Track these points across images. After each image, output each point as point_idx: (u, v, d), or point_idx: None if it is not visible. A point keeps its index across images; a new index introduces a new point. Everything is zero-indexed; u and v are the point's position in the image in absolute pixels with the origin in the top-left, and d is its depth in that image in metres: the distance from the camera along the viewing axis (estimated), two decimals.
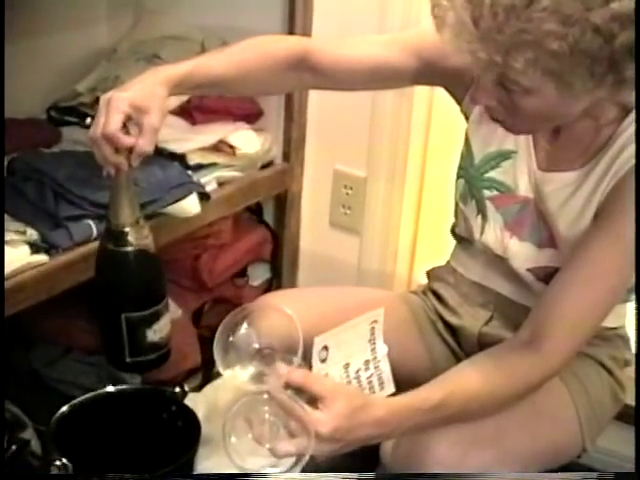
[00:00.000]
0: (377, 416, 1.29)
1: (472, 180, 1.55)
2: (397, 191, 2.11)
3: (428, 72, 1.53)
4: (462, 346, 1.69)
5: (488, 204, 1.54)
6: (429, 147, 2.11)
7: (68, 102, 2.06)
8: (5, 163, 1.75)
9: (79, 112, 2.04)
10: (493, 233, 1.55)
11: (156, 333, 1.52)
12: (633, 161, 1.32)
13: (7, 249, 1.53)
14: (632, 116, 1.35)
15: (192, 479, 1.53)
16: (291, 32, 2.00)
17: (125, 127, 1.37)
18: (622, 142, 1.35)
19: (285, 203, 2.22)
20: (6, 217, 1.59)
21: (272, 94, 1.85)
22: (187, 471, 1.57)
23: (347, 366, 1.41)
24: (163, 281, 1.55)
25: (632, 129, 1.35)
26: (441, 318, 1.71)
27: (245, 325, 1.33)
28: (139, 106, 1.36)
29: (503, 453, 1.41)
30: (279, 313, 1.33)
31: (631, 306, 1.55)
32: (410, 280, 2.24)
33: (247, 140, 2.02)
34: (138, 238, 1.45)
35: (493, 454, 1.40)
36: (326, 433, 1.24)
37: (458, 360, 1.65)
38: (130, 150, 1.37)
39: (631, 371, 1.59)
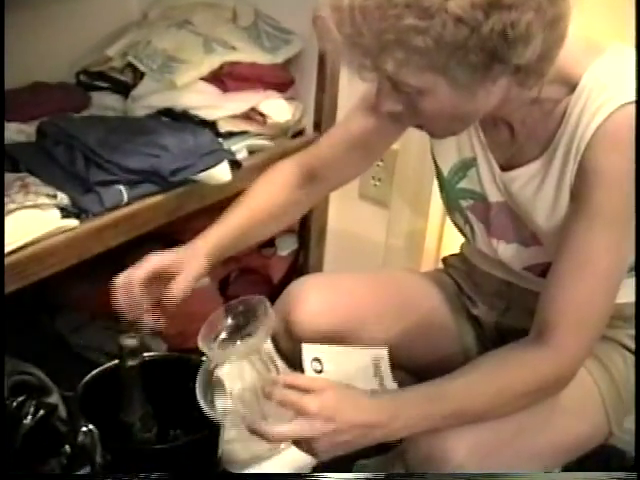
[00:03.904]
0: (372, 400, 1.30)
1: (449, 193, 1.54)
2: (428, 165, 2.07)
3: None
4: (485, 334, 1.66)
5: (469, 214, 1.52)
6: None
7: (98, 67, 2.05)
8: (35, 126, 1.76)
9: (109, 77, 2.03)
10: (481, 240, 1.53)
11: None
12: (592, 129, 1.25)
13: (37, 212, 1.52)
14: (581, 88, 1.27)
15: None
16: None
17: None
18: (577, 115, 1.28)
19: None
20: (36, 181, 1.58)
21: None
22: (213, 440, 1.57)
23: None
24: None
25: (584, 100, 1.27)
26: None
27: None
28: (168, 268, 1.41)
29: (524, 451, 1.38)
30: None
31: None
32: (438, 254, 2.22)
33: (278, 109, 2.00)
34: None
35: (514, 453, 1.36)
36: (314, 409, 1.24)
37: (485, 348, 1.63)
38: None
39: None
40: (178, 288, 1.41)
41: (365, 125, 1.55)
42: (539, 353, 1.31)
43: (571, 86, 1.29)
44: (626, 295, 1.41)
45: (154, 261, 1.41)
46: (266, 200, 1.58)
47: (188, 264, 1.44)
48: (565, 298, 1.30)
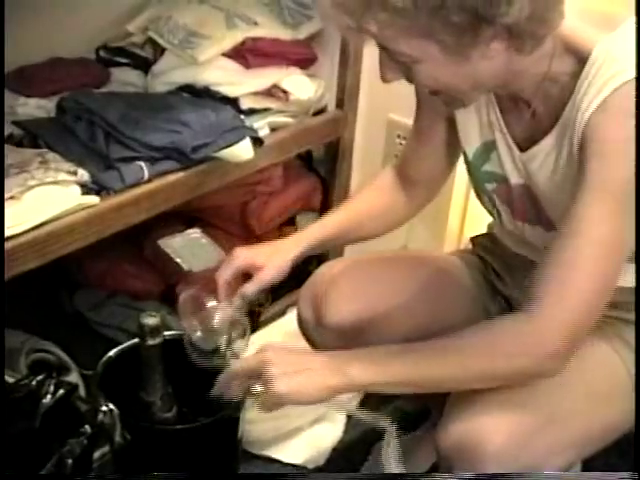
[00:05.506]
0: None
1: (475, 177, 1.53)
2: None
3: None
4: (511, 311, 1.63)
5: (494, 197, 1.51)
6: None
7: (118, 42, 2.03)
8: (55, 101, 1.74)
9: (129, 53, 2.01)
10: (508, 223, 1.52)
11: None
12: (598, 101, 1.21)
13: (58, 189, 1.51)
14: (592, 61, 1.24)
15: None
16: None
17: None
18: (585, 87, 1.24)
19: (337, 151, 2.17)
20: (57, 157, 1.57)
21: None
22: (234, 421, 1.55)
23: None
24: None
25: (594, 72, 1.23)
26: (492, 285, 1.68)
27: None
28: (255, 265, 1.51)
29: (557, 441, 1.34)
30: None
31: None
32: (462, 233, 2.20)
33: (300, 85, 1.97)
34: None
35: (546, 443, 1.33)
36: (271, 353, 1.28)
37: None
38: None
39: None
40: (253, 285, 1.49)
41: (427, 120, 1.58)
42: (520, 316, 1.27)
43: (583, 59, 1.26)
44: (627, 280, 1.38)
45: (241, 258, 1.50)
46: (365, 202, 1.65)
47: (270, 260, 1.51)
48: (551, 264, 1.26)
